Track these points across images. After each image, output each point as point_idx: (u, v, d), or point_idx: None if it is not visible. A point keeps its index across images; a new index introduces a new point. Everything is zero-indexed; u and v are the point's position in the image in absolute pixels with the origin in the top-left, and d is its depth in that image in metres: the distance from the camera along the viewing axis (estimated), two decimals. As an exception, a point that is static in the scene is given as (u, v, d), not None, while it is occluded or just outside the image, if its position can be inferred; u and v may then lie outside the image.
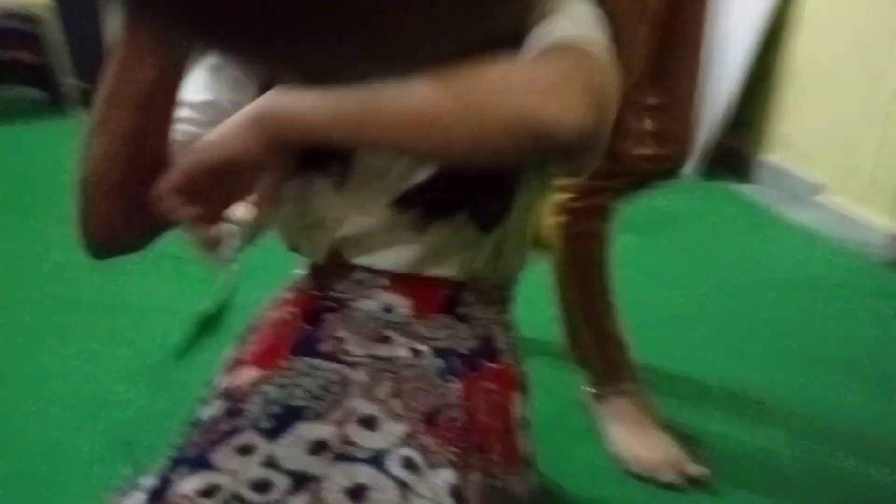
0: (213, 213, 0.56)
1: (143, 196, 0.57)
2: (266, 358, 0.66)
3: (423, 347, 0.66)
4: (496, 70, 0.50)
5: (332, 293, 0.70)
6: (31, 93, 3.40)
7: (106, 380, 1.37)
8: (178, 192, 0.53)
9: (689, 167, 2.47)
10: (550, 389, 1.32)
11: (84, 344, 1.47)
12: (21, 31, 3.28)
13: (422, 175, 0.64)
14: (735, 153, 2.75)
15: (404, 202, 0.66)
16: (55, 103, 3.30)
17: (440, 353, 0.67)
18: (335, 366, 0.64)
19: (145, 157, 0.56)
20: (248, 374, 0.65)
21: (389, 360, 0.65)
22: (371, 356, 0.65)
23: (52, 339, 1.48)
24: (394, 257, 0.68)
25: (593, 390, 1.31)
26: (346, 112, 0.52)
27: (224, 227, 0.57)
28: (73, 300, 1.63)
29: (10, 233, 2.03)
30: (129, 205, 0.58)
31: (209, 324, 1.56)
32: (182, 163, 0.54)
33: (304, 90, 0.53)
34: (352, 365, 0.64)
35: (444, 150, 0.53)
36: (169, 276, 1.67)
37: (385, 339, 0.66)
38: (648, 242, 2.03)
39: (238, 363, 0.68)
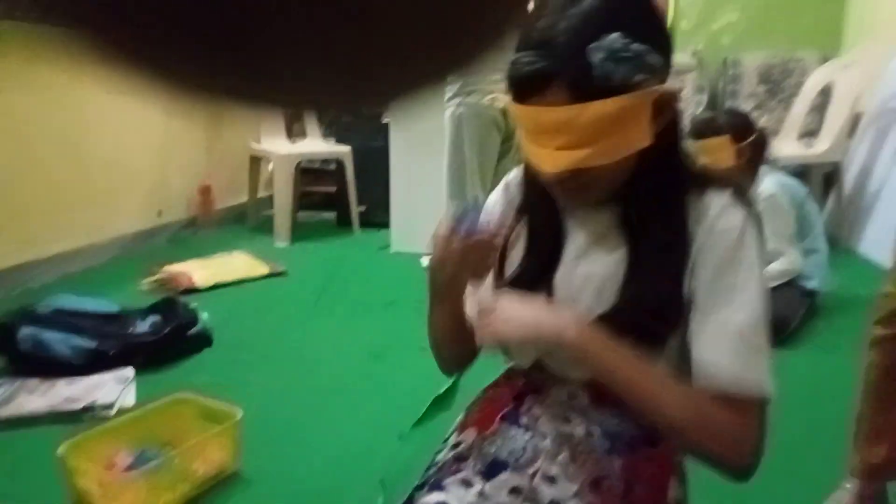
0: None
1: (463, 349, 0.97)
2: (484, 423, 0.94)
3: (596, 429, 0.89)
4: (697, 397, 0.79)
5: (532, 381, 0.96)
6: (328, 216, 4.29)
7: (371, 436, 1.83)
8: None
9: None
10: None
11: (358, 411, 1.99)
12: (329, 172, 4.24)
13: (601, 309, 0.88)
14: None
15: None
16: (344, 224, 4.13)
17: (608, 435, 0.88)
18: (530, 434, 0.90)
19: (462, 332, 0.92)
20: (471, 433, 0.94)
21: (569, 435, 0.89)
22: (556, 431, 0.89)
23: (337, 407, 2.01)
24: (578, 368, 0.90)
25: (847, 486, 1.36)
26: (605, 366, 0.80)
27: None
28: (362, 377, 2.21)
29: (319, 321, 2.71)
30: (456, 353, 1.01)
31: (442, 401, 1.98)
32: (494, 332, 0.84)
33: (595, 334, 0.81)
34: (542, 435, 0.89)
35: (649, 415, 0.81)
36: (422, 368, 2.13)
37: (567, 420, 0.90)
38: None
39: (465, 424, 0.97)
